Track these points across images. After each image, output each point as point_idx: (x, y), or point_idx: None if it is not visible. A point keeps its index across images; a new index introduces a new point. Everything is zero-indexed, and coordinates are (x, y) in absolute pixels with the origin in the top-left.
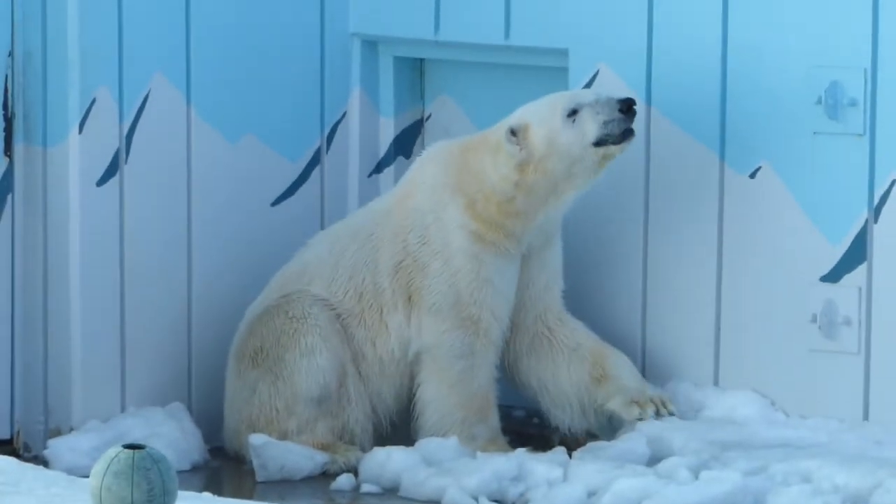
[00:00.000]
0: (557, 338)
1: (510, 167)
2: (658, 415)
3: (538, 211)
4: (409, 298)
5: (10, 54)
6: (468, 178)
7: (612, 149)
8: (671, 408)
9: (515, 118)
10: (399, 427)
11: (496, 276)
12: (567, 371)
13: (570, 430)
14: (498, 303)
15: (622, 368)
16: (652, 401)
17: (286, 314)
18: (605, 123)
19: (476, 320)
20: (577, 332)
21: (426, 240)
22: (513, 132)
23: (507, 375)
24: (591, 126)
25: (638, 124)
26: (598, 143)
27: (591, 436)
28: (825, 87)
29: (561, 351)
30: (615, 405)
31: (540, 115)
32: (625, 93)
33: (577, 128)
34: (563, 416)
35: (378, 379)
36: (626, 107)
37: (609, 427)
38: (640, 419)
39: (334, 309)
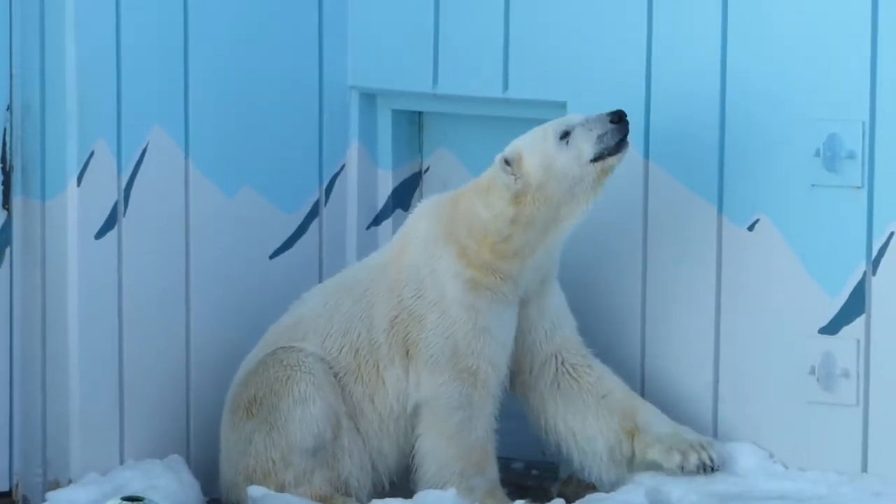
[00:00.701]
0: (584, 382)
1: (505, 202)
2: (701, 461)
3: (537, 245)
4: (406, 353)
5: (9, 108)
6: (459, 226)
7: (610, 160)
8: (712, 452)
9: (507, 149)
10: (399, 486)
11: (493, 325)
12: (596, 420)
13: (595, 478)
14: (495, 352)
15: (654, 417)
16: (692, 447)
17: (280, 363)
18: (600, 137)
19: (474, 371)
20: (604, 379)
21: (421, 293)
22: (507, 162)
23: (533, 419)
24: (586, 143)
25: (636, 176)
26: (596, 159)
27: (590, 487)
28: (823, 140)
29: (590, 396)
30: (655, 454)
31: (532, 143)
32: (627, 149)
33: (571, 148)
34: (591, 465)
35: (378, 436)
36: (617, 118)
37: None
38: (683, 467)
39: (330, 365)
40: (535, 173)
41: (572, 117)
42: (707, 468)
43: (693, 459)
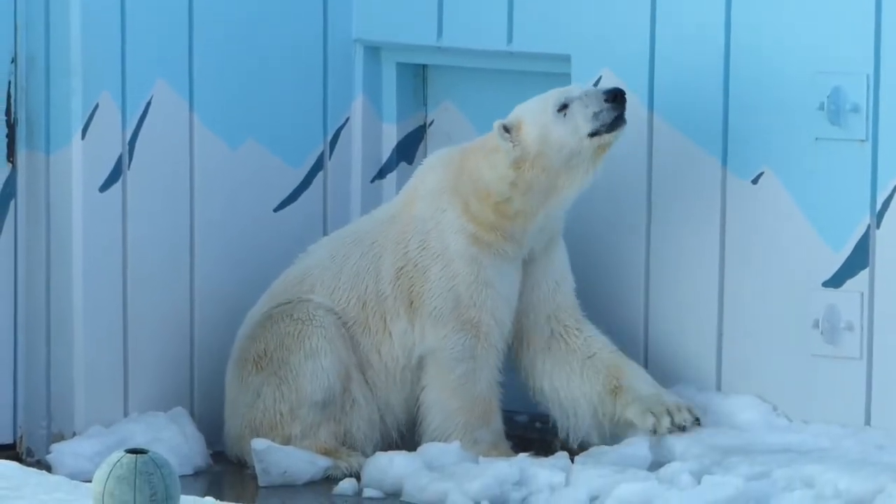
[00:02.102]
0: (573, 343)
1: (506, 165)
2: (674, 424)
3: (537, 210)
4: (411, 304)
5: (14, 60)
6: (464, 180)
7: (606, 137)
8: (687, 415)
9: (509, 117)
10: (408, 439)
11: (496, 279)
12: (580, 379)
13: (571, 439)
14: (498, 305)
15: (638, 379)
16: (668, 410)
17: (290, 317)
18: (596, 115)
19: (476, 323)
20: (593, 340)
21: (426, 245)
22: (506, 129)
23: (523, 377)
24: (581, 119)
25: (640, 130)
26: (593, 134)
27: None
28: (827, 93)
29: (576, 357)
30: (631, 414)
31: (532, 111)
32: (631, 102)
33: (568, 121)
34: (570, 424)
35: (385, 387)
36: (612, 97)
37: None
38: (655, 430)
39: (339, 317)
40: (533, 142)
41: (572, 89)
42: (682, 429)
43: (665, 423)
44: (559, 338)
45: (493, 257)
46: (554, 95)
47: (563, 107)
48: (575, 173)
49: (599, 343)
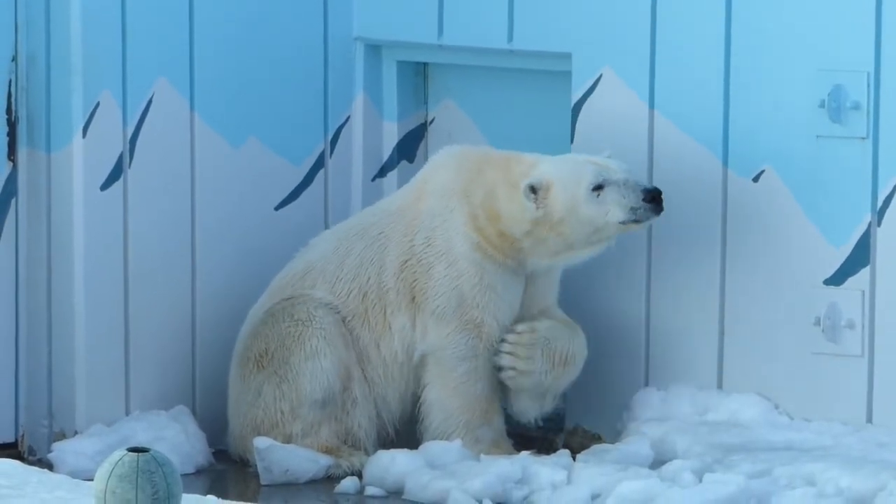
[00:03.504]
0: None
1: (524, 217)
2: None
3: (543, 258)
4: (413, 299)
5: (14, 59)
6: (477, 191)
7: (634, 227)
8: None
9: (538, 174)
10: (403, 435)
11: (499, 285)
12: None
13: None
14: (501, 308)
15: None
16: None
17: (291, 317)
18: (633, 210)
19: (479, 324)
20: (555, 314)
21: (431, 241)
22: (533, 189)
23: None
24: (617, 208)
25: (641, 128)
26: (623, 222)
27: (595, 438)
28: (828, 91)
29: None
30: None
31: (565, 180)
32: (632, 100)
33: (601, 204)
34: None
35: (383, 382)
36: (651, 198)
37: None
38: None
39: (339, 312)
40: (559, 210)
41: (610, 171)
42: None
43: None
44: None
45: (496, 266)
46: (592, 173)
47: (599, 187)
48: (590, 247)
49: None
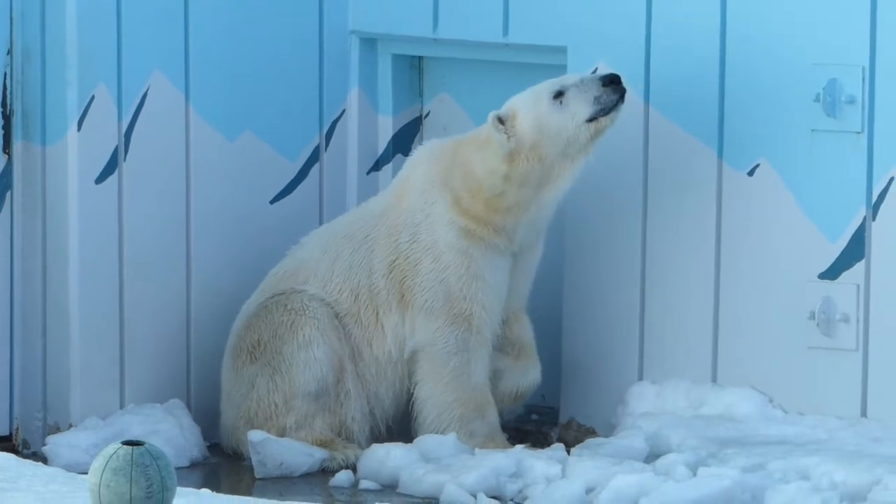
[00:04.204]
0: (503, 331)
1: (499, 159)
2: None
3: (531, 202)
4: (403, 297)
5: (9, 52)
6: (455, 175)
7: (604, 121)
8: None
9: (502, 108)
10: (396, 432)
11: (487, 272)
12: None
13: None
14: (489, 298)
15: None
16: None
17: (284, 307)
18: (596, 99)
19: (468, 316)
20: (519, 329)
21: (416, 238)
22: (500, 120)
23: None
24: (581, 104)
25: (636, 121)
26: (591, 119)
27: (589, 431)
28: (823, 85)
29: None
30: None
31: (527, 102)
32: (627, 94)
33: (565, 108)
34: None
35: (375, 380)
36: (609, 80)
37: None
38: None
39: (332, 307)
40: (529, 132)
41: (566, 78)
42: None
43: None
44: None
45: (484, 250)
46: (548, 84)
47: (559, 94)
48: (569, 161)
49: (523, 332)
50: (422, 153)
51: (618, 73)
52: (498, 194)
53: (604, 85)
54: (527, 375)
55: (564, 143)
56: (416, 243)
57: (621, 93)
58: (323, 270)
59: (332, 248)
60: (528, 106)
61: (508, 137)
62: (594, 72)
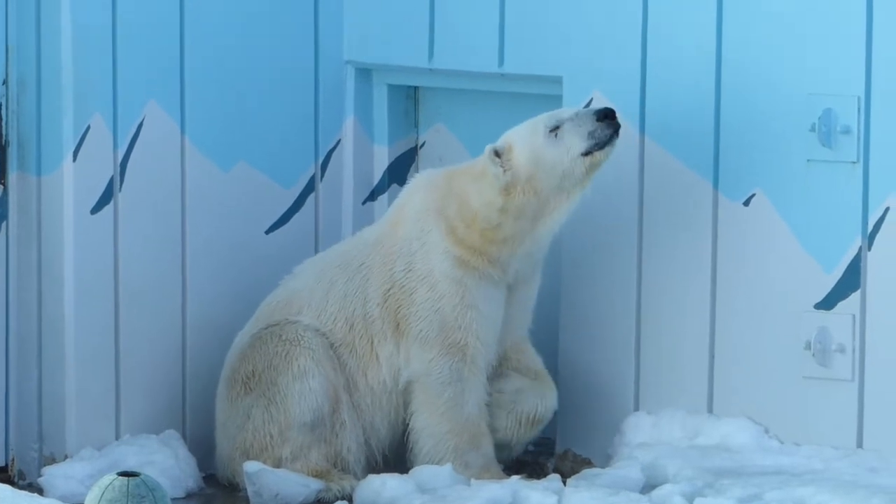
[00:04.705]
0: (510, 363)
1: (495, 191)
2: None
3: (526, 235)
4: (398, 327)
5: (5, 82)
6: (450, 204)
7: (599, 155)
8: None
9: (499, 141)
10: (391, 462)
11: (481, 302)
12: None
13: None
14: (484, 328)
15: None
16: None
17: (279, 337)
18: (591, 133)
19: (462, 346)
20: (528, 359)
21: (412, 266)
22: (496, 153)
23: None
24: (576, 138)
25: (631, 152)
26: (586, 153)
27: (586, 462)
28: (819, 115)
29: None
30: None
31: (522, 135)
32: (622, 124)
33: (560, 142)
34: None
35: (371, 410)
36: (604, 115)
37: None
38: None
39: (326, 337)
40: (525, 165)
41: (561, 111)
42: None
43: None
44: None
45: (479, 280)
46: (544, 118)
47: (555, 128)
48: (565, 195)
49: (531, 359)
50: (418, 182)
51: (613, 107)
52: (494, 226)
53: (598, 119)
54: (546, 398)
55: (560, 176)
56: (412, 272)
57: (615, 127)
58: (317, 300)
59: (326, 278)
60: (524, 139)
61: (504, 171)
62: (589, 104)
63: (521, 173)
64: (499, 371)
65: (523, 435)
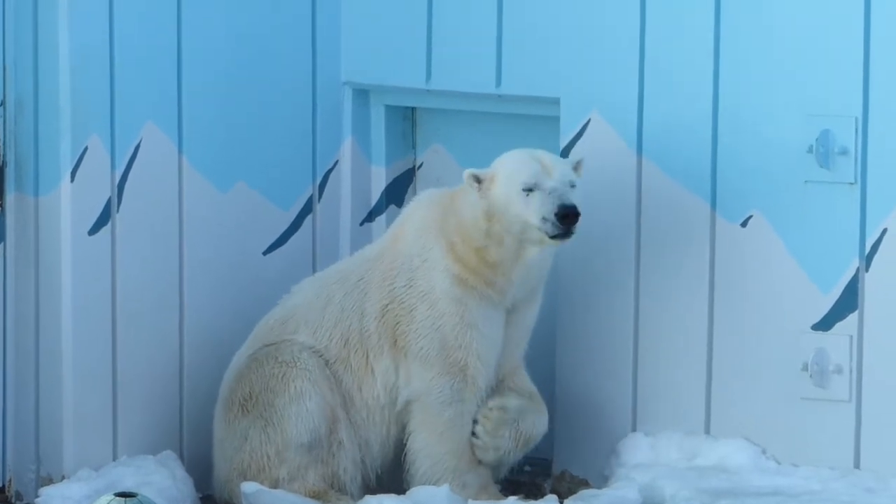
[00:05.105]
0: (505, 384)
1: (480, 213)
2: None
3: (513, 263)
4: (396, 343)
5: (2, 103)
6: (450, 220)
7: (547, 240)
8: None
9: (493, 165)
10: (385, 482)
11: (481, 322)
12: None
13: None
14: (484, 347)
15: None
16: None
17: (276, 359)
18: (544, 220)
19: (463, 366)
20: (522, 383)
21: (412, 283)
22: (477, 179)
23: None
24: (537, 212)
25: (629, 173)
26: (539, 228)
27: (583, 483)
28: (816, 136)
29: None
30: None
31: (507, 172)
32: (620, 145)
33: (528, 204)
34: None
35: (365, 426)
36: (563, 215)
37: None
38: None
39: (322, 356)
40: (497, 202)
41: (550, 176)
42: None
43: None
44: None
45: (479, 300)
46: (527, 171)
47: (529, 189)
48: (532, 245)
49: (522, 382)
50: (420, 200)
51: (578, 210)
52: (483, 247)
53: (556, 214)
54: (541, 418)
55: (520, 229)
56: (413, 288)
57: (565, 231)
58: (314, 316)
59: (323, 293)
60: (506, 179)
61: (480, 197)
62: (586, 125)
63: (493, 207)
64: (498, 389)
65: (516, 454)
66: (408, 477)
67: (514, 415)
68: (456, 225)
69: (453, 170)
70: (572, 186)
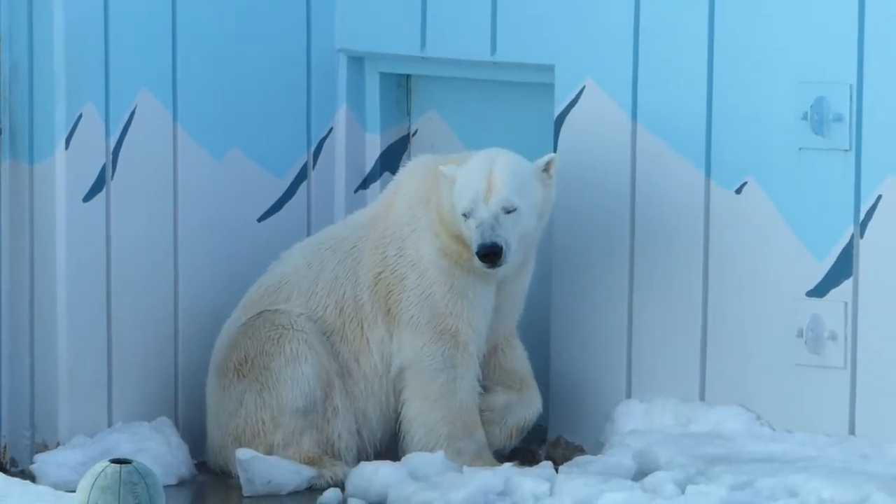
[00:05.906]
0: (497, 359)
1: (451, 208)
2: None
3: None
4: (389, 311)
5: None
6: (434, 195)
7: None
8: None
9: (455, 168)
10: (383, 454)
11: (470, 291)
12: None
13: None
14: (475, 314)
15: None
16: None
17: (272, 323)
18: (475, 250)
19: (454, 333)
20: (514, 359)
21: (403, 251)
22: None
23: None
24: (470, 239)
25: (623, 139)
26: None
27: (577, 449)
28: (811, 103)
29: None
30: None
31: (463, 186)
32: (615, 112)
33: (468, 228)
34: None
35: (363, 396)
36: (482, 255)
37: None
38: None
39: (318, 325)
40: (450, 213)
41: (485, 205)
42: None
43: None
44: (496, 351)
45: (465, 272)
46: (468, 197)
47: (465, 216)
48: None
49: (519, 362)
50: (412, 167)
51: (500, 245)
52: (460, 234)
53: (476, 252)
54: (531, 407)
55: (465, 238)
56: (403, 258)
57: (491, 265)
58: (307, 284)
59: (316, 261)
60: (460, 192)
61: (444, 194)
62: (581, 92)
63: (450, 214)
64: (486, 386)
65: (513, 443)
66: (402, 445)
67: (501, 413)
68: (438, 203)
69: (448, 137)
70: (508, 213)
